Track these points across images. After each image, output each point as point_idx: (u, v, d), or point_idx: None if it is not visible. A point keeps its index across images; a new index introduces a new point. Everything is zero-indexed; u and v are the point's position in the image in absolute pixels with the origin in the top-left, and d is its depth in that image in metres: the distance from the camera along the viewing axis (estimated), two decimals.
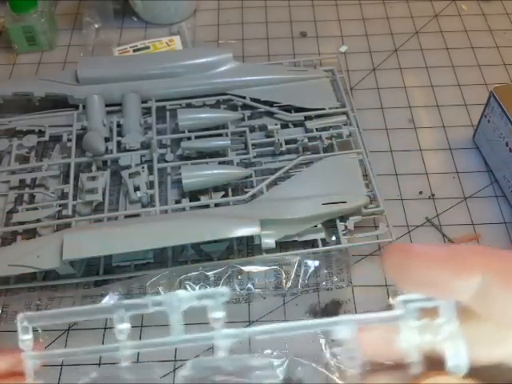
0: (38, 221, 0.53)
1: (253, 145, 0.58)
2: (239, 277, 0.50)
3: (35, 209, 0.54)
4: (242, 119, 0.61)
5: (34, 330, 0.23)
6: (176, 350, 0.48)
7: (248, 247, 0.53)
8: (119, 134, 0.59)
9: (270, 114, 0.61)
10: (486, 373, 0.20)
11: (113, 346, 0.22)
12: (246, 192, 0.54)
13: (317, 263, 0.51)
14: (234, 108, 0.62)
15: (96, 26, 0.74)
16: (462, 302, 0.20)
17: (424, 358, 0.21)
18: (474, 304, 0.20)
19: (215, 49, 0.71)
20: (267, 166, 0.58)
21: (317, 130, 0.59)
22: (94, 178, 0.55)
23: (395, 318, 0.21)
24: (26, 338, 0.23)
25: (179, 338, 0.22)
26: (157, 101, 0.61)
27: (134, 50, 0.70)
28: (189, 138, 0.58)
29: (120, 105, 0.61)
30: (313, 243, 0.52)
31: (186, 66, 0.62)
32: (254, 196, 0.54)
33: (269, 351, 0.47)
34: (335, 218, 0.52)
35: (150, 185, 0.55)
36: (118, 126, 0.59)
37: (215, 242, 0.52)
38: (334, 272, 0.52)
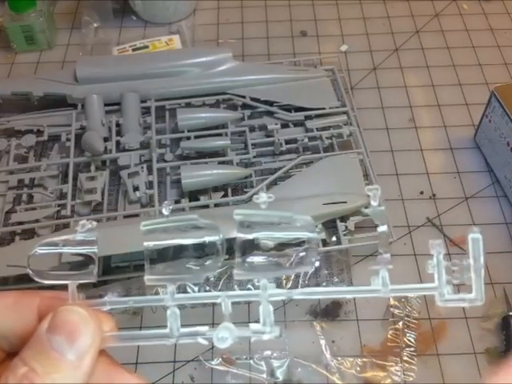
0: (37, 221, 0.53)
1: (253, 144, 0.58)
2: None
3: (34, 209, 0.54)
4: (242, 119, 0.61)
5: None
6: (176, 350, 0.48)
7: None
8: (118, 133, 0.58)
9: (270, 114, 0.61)
10: None
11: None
12: (246, 192, 0.54)
13: (317, 264, 0.51)
14: (233, 107, 0.62)
15: (95, 25, 0.74)
16: None
17: None
18: None
19: (215, 48, 0.70)
20: (267, 165, 0.58)
21: (317, 129, 0.59)
22: (92, 178, 0.55)
23: None
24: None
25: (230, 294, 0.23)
26: (156, 100, 0.61)
27: (133, 50, 0.70)
28: (188, 138, 0.58)
29: (119, 104, 0.60)
30: None
31: (185, 66, 0.62)
32: (253, 196, 0.54)
33: (269, 352, 0.47)
34: (336, 218, 0.52)
35: (150, 185, 0.54)
36: (117, 125, 0.59)
37: None
38: (334, 272, 0.51)
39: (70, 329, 0.21)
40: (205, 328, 0.22)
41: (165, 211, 0.23)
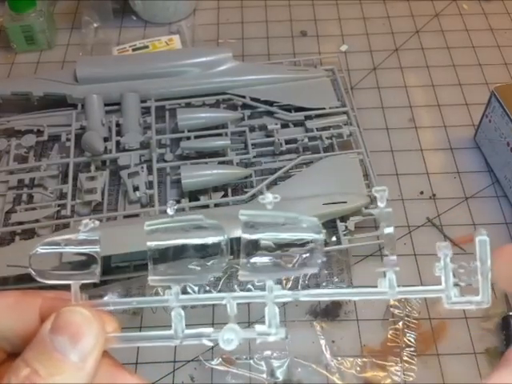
0: (37, 221, 0.53)
1: (253, 144, 0.58)
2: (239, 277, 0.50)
3: (34, 209, 0.54)
4: (242, 119, 0.61)
5: None
6: (176, 350, 0.48)
7: None
8: (118, 133, 0.58)
9: (270, 114, 0.61)
10: None
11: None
12: (246, 192, 0.54)
13: None
14: (233, 107, 0.62)
15: (95, 25, 0.74)
16: None
17: None
18: None
19: (215, 48, 0.70)
20: (267, 165, 0.58)
21: (317, 129, 0.59)
22: (92, 178, 0.55)
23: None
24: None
25: (234, 295, 0.23)
26: (156, 100, 0.61)
27: (133, 50, 0.70)
28: (188, 138, 0.58)
29: (119, 104, 0.60)
30: None
31: (185, 66, 0.62)
32: (253, 196, 0.54)
33: (269, 352, 0.47)
34: (336, 218, 0.52)
35: (149, 185, 0.54)
36: (117, 125, 0.59)
37: None
38: (334, 272, 0.51)
39: (73, 330, 0.21)
40: (210, 329, 0.22)
41: (170, 211, 0.22)
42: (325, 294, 0.23)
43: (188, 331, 0.22)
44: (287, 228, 0.22)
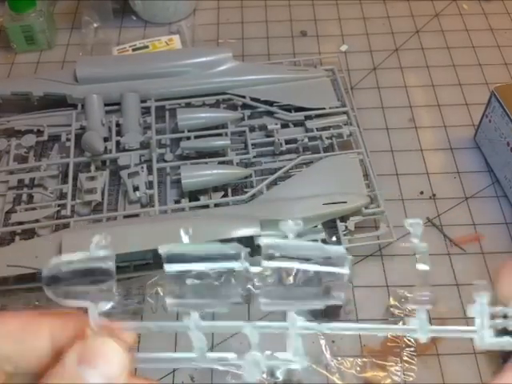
0: (37, 221, 0.53)
1: (253, 144, 0.58)
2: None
3: (34, 209, 0.54)
4: (242, 119, 0.61)
5: None
6: (175, 350, 0.48)
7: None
8: (118, 133, 0.58)
9: (270, 114, 0.61)
10: None
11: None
12: (246, 192, 0.54)
13: None
14: (233, 107, 0.62)
15: (95, 25, 0.74)
16: None
17: None
18: None
19: (215, 48, 0.70)
20: (267, 165, 0.58)
21: (317, 129, 0.59)
22: (92, 178, 0.55)
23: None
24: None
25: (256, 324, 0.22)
26: (156, 100, 0.61)
27: (133, 50, 0.70)
28: (188, 138, 0.58)
29: (119, 104, 0.60)
30: None
31: (185, 66, 0.62)
32: (253, 196, 0.54)
33: (269, 352, 0.47)
34: (335, 218, 0.52)
35: (149, 185, 0.54)
36: (117, 125, 0.59)
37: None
38: None
39: (98, 359, 0.21)
40: (233, 355, 0.22)
41: (185, 239, 0.21)
42: (351, 328, 0.22)
43: (211, 355, 0.22)
44: (310, 257, 0.21)
